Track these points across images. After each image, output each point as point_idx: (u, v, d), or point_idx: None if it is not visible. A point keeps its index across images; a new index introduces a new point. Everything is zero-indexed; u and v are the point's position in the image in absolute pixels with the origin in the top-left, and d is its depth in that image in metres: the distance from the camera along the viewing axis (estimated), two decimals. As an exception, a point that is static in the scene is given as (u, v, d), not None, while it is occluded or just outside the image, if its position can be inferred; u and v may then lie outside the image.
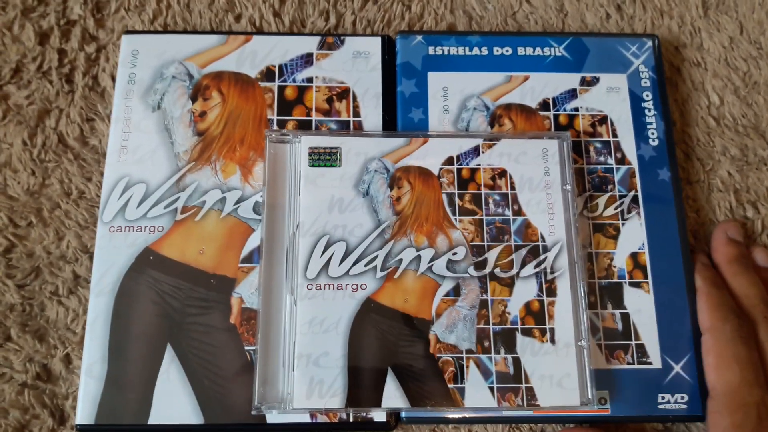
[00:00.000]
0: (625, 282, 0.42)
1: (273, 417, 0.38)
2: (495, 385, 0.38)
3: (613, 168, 0.44)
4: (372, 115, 0.44)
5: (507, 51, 0.46)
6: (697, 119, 0.47)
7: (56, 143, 0.45)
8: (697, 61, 0.49)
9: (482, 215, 0.41)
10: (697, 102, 0.48)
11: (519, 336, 0.39)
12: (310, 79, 0.44)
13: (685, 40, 0.49)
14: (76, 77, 0.46)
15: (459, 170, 0.42)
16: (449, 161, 0.42)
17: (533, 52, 0.46)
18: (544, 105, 0.45)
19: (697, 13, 0.50)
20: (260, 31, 0.48)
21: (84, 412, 0.38)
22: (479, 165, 0.42)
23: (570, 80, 0.46)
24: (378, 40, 0.46)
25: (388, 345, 0.39)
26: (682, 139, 0.47)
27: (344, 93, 0.44)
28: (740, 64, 0.49)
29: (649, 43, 0.46)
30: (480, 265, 0.40)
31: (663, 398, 0.40)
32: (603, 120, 0.45)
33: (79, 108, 0.46)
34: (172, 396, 0.38)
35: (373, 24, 0.49)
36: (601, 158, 0.44)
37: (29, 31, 0.47)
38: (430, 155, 0.42)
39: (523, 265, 0.41)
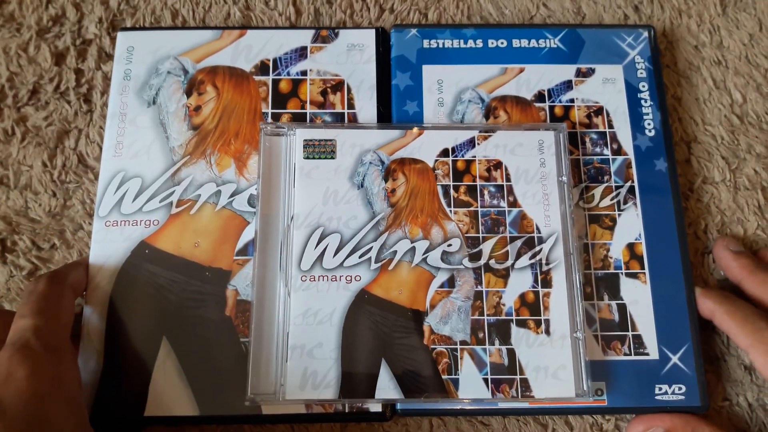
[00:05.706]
0: (622, 273, 0.41)
1: (269, 408, 0.38)
2: (489, 377, 0.38)
3: (609, 159, 0.43)
4: (366, 107, 0.44)
5: (502, 43, 0.46)
6: (720, 118, 0.47)
7: (76, 164, 0.45)
8: (717, 59, 0.48)
9: (477, 207, 0.41)
10: (719, 100, 0.47)
11: (514, 327, 0.39)
12: (304, 72, 0.44)
13: (705, 39, 0.49)
14: (94, 96, 0.46)
15: (454, 162, 0.42)
16: (444, 153, 0.42)
17: (528, 44, 0.46)
18: (540, 97, 0.45)
19: (715, 11, 0.50)
20: (255, 26, 0.48)
21: (79, 404, 0.38)
22: (474, 157, 0.42)
23: (565, 72, 0.45)
24: (372, 33, 0.46)
25: (382, 336, 0.39)
26: (705, 139, 0.46)
27: (338, 85, 0.44)
28: (761, 61, 0.48)
29: (645, 34, 0.46)
30: (475, 257, 0.40)
31: (660, 389, 0.39)
32: (599, 111, 0.44)
33: (98, 128, 0.45)
34: (168, 388, 0.38)
35: None
36: (597, 149, 0.44)
37: (45, 51, 0.47)
38: (426, 147, 0.42)
39: (518, 256, 0.40)
